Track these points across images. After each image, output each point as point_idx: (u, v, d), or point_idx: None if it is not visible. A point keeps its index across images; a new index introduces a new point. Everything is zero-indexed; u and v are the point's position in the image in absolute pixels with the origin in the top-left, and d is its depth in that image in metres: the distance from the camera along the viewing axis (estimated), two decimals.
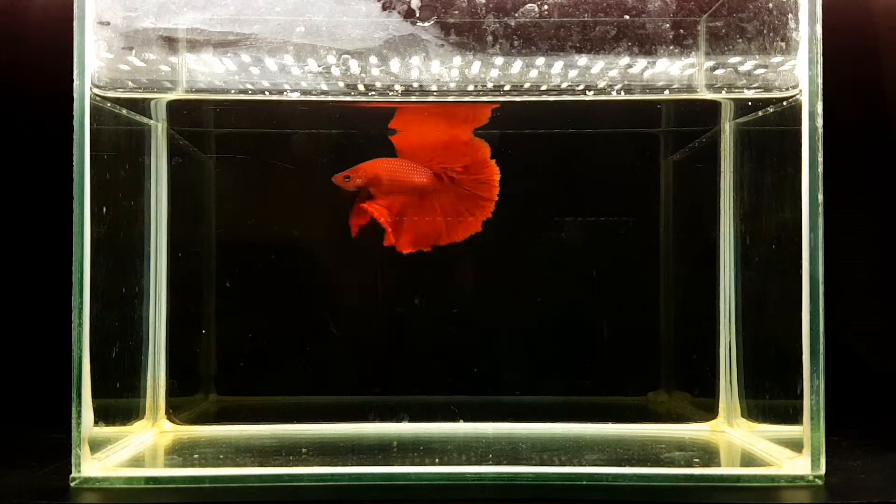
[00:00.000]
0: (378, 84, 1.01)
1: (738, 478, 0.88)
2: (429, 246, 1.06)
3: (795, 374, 0.88)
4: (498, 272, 1.14)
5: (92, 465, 0.87)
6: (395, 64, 0.99)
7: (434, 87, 1.02)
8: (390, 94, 1.02)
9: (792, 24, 0.91)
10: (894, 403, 1.21)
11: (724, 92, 1.04)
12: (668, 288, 1.13)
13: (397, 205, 1.05)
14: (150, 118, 1.06)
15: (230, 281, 1.12)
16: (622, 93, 1.02)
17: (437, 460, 0.93)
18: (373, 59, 0.99)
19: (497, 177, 1.06)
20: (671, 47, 0.98)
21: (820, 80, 0.87)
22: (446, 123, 1.06)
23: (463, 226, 1.06)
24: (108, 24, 0.92)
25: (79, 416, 0.86)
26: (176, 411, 1.09)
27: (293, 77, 1.00)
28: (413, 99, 1.03)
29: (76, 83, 0.87)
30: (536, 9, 0.96)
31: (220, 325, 1.12)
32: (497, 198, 1.06)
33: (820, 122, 0.87)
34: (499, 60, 1.00)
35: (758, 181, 1.02)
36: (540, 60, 0.99)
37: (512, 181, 1.12)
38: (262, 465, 0.91)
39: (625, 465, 0.90)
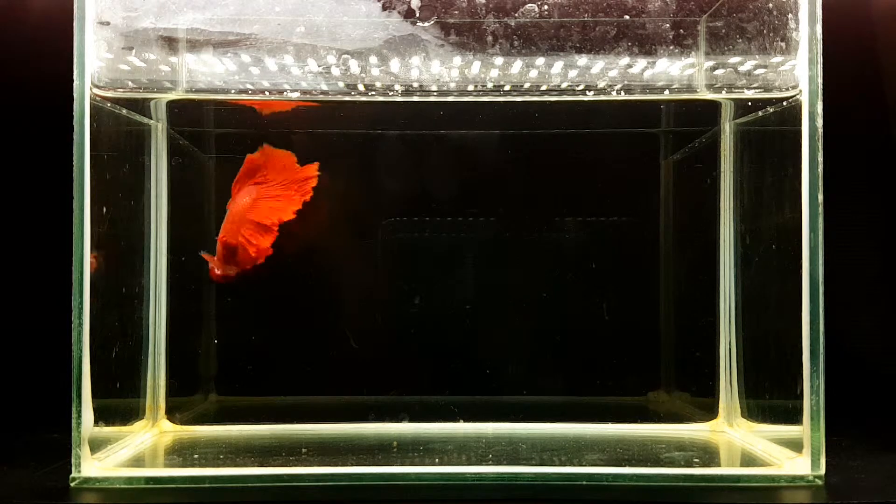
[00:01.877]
0: (378, 84, 1.01)
1: (738, 478, 0.88)
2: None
3: (795, 374, 0.88)
4: (498, 272, 1.14)
5: (92, 465, 0.87)
6: (395, 64, 0.99)
7: (434, 87, 1.02)
8: (390, 94, 1.02)
9: (792, 24, 0.91)
10: (894, 403, 1.21)
11: (724, 92, 1.04)
12: (669, 288, 1.13)
13: (243, 229, 1.06)
14: (150, 118, 1.06)
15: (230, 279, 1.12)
16: (622, 93, 1.02)
17: (437, 460, 0.93)
18: (373, 59, 0.99)
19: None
20: (671, 47, 0.98)
21: (820, 80, 0.87)
22: None
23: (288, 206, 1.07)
24: (108, 24, 0.92)
25: (79, 416, 0.86)
26: (176, 411, 1.09)
27: (293, 77, 1.00)
28: (414, 99, 1.04)
29: (76, 83, 0.87)
30: (536, 9, 0.96)
31: (219, 326, 1.12)
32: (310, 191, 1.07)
33: (820, 122, 0.87)
34: (499, 60, 1.00)
35: (758, 181, 1.02)
36: (540, 60, 0.99)
37: (511, 181, 1.12)
38: (262, 465, 0.91)
39: (625, 465, 0.90)
